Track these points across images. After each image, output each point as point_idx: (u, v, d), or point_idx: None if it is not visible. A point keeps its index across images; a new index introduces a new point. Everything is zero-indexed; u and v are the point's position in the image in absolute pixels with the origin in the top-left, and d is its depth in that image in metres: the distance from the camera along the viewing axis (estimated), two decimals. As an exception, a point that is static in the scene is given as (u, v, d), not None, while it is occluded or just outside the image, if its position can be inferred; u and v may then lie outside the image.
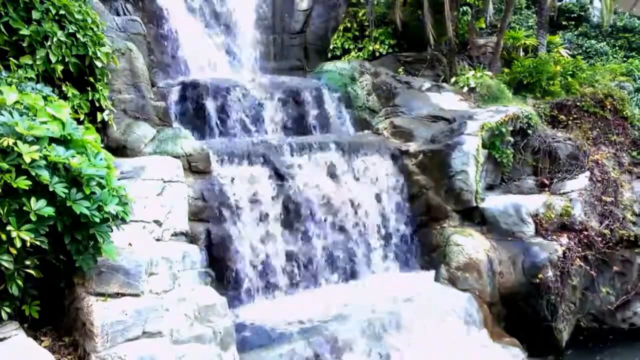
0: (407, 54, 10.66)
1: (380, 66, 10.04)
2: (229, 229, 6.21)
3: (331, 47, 10.96)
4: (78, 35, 5.21)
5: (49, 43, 4.93)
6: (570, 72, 10.15)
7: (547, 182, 7.96)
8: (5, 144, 3.14)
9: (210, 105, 7.94)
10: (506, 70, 10.82)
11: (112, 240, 3.68)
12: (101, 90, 5.69)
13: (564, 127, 8.67)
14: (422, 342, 5.82)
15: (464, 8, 11.41)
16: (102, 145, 3.93)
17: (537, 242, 6.98)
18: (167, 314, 3.93)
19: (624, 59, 12.55)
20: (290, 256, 6.56)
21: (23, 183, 3.14)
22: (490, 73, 9.87)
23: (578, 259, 6.97)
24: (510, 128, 7.93)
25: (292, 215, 6.70)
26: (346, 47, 10.90)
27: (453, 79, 9.94)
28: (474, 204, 7.40)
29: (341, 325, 5.60)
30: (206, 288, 4.88)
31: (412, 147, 7.96)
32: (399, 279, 7.11)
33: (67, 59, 5.15)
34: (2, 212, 3.13)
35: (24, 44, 4.81)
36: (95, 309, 3.55)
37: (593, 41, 13.31)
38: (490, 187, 7.96)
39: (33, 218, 3.18)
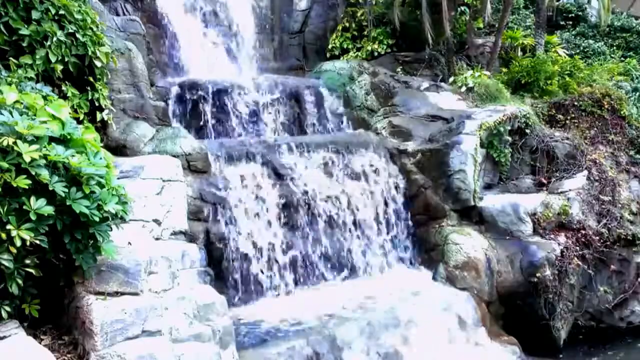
0: (405, 53, 10.67)
1: (378, 66, 10.05)
2: (228, 228, 6.23)
3: (330, 46, 10.97)
4: (78, 35, 5.23)
5: (48, 43, 4.94)
6: (568, 72, 10.17)
7: (545, 181, 7.99)
8: (5, 143, 3.15)
9: (209, 105, 7.95)
10: (504, 69, 10.85)
11: (111, 239, 3.69)
12: (101, 89, 5.71)
13: (562, 127, 8.70)
14: (420, 341, 5.84)
15: (462, 8, 11.42)
16: (102, 145, 3.94)
17: (535, 241, 7.00)
18: (167, 312, 3.94)
19: (622, 58, 12.56)
20: (288, 255, 6.57)
21: (23, 182, 3.15)
22: (488, 73, 9.89)
23: (576, 258, 7.00)
24: (509, 127, 7.95)
25: (291, 215, 6.72)
26: (345, 46, 10.91)
27: (451, 79, 9.96)
28: (472, 203, 7.42)
29: (340, 324, 5.62)
30: (205, 287, 4.89)
31: (411, 146, 7.99)
32: (397, 278, 7.12)
33: (66, 59, 5.17)
34: (2, 211, 3.13)
35: (24, 44, 4.82)
36: (94, 308, 3.56)
37: (591, 41, 13.33)
38: (488, 186, 7.98)
39: (33, 217, 3.19)
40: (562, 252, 6.89)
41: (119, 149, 6.26)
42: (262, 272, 6.37)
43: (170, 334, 3.91)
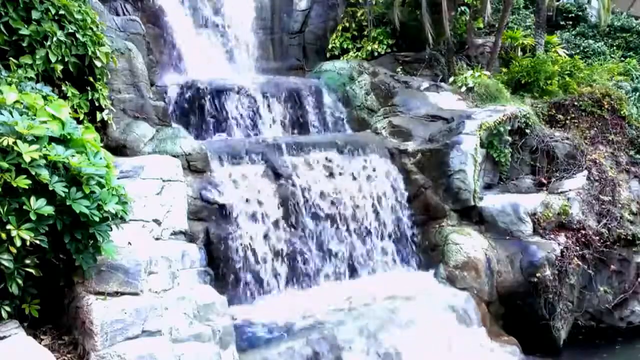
0: (405, 53, 10.66)
1: (378, 66, 10.05)
2: (228, 228, 6.23)
3: (330, 47, 10.96)
4: (78, 35, 5.23)
5: (48, 43, 4.94)
6: (568, 72, 10.17)
7: (545, 181, 7.99)
8: (5, 143, 3.15)
9: (209, 105, 7.96)
10: (504, 69, 10.85)
11: (111, 239, 3.69)
12: (101, 89, 5.70)
13: (562, 127, 8.70)
14: (420, 341, 5.84)
15: (462, 8, 11.42)
16: (102, 145, 3.95)
17: (535, 241, 7.01)
18: (167, 312, 3.94)
19: (622, 58, 12.56)
20: (289, 255, 6.57)
21: (23, 182, 3.15)
22: (488, 73, 9.88)
23: (576, 258, 7.00)
24: (509, 127, 7.95)
25: (291, 214, 6.71)
26: (345, 46, 10.91)
27: (451, 79, 9.96)
28: (472, 203, 7.43)
29: (340, 324, 5.62)
30: (205, 287, 4.90)
31: (411, 146, 7.98)
32: (398, 278, 7.12)
33: (66, 59, 5.16)
34: (2, 211, 3.14)
35: (24, 44, 4.82)
36: (94, 308, 3.56)
37: (591, 41, 13.32)
38: (488, 186, 7.99)
39: (33, 217, 3.19)
40: (562, 252, 6.90)
41: (119, 149, 6.26)
42: (262, 271, 6.36)
43: (170, 334, 3.91)
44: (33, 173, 3.20)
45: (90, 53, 5.40)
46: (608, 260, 7.48)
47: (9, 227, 3.14)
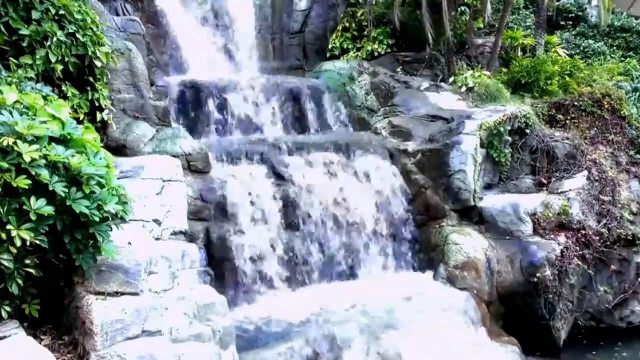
0: (405, 53, 10.68)
1: (378, 66, 10.06)
2: (228, 228, 6.23)
3: (330, 46, 10.98)
4: (78, 35, 5.23)
5: (48, 43, 4.94)
6: (568, 72, 10.18)
7: (545, 181, 7.99)
8: (5, 143, 3.15)
9: (209, 105, 7.96)
10: (504, 69, 10.86)
11: (111, 239, 3.68)
12: (101, 89, 5.71)
13: (562, 127, 8.71)
14: (420, 341, 5.84)
15: (462, 8, 11.43)
16: (102, 145, 3.94)
17: (535, 241, 7.01)
18: (167, 312, 3.94)
19: (622, 58, 12.57)
20: (289, 255, 6.57)
21: (23, 182, 3.14)
22: (488, 73, 9.90)
23: (576, 258, 7.00)
24: (509, 127, 7.95)
25: (291, 214, 6.71)
26: (345, 46, 10.92)
27: (451, 79, 9.97)
28: (472, 203, 7.42)
29: (340, 324, 5.62)
30: (205, 287, 4.90)
31: (411, 146, 7.99)
32: (398, 278, 7.12)
33: (66, 59, 5.16)
34: (2, 211, 3.13)
35: (24, 44, 4.82)
36: (94, 308, 3.55)
37: (591, 41, 13.33)
38: (488, 186, 7.99)
39: (33, 217, 3.18)
40: (562, 252, 6.90)
41: (119, 149, 6.26)
42: (261, 271, 6.36)
43: (170, 334, 3.91)
44: (33, 173, 3.19)
45: (90, 53, 5.40)
46: (608, 260, 7.48)
47: (9, 227, 3.14)
